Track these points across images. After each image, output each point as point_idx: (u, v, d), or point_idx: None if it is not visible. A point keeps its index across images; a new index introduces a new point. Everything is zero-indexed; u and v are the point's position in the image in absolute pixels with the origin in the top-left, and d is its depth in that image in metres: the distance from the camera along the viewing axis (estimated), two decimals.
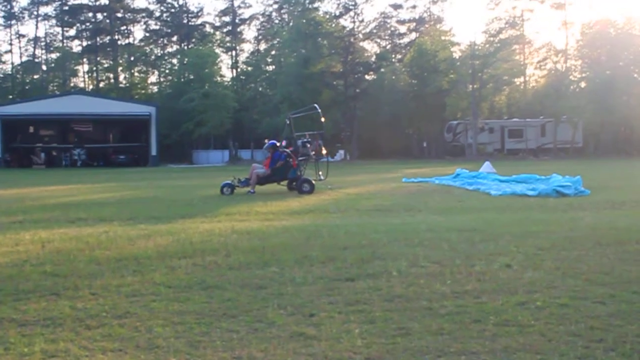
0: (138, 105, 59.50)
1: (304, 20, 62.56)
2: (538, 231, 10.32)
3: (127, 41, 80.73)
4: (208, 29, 79.79)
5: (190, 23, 79.08)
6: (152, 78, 79.67)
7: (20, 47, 77.45)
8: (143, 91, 76.42)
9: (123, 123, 59.02)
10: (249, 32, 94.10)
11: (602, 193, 17.83)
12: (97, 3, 77.49)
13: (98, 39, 78.27)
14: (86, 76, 79.58)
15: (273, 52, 73.56)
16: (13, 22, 76.24)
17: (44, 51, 77.70)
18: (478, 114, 60.29)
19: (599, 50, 59.78)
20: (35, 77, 74.36)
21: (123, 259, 8.32)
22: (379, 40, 78.55)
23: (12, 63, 76.31)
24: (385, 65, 66.22)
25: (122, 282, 7.04)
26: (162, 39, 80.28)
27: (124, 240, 9.89)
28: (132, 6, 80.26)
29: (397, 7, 77.30)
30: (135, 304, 6.20)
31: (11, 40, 76.72)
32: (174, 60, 75.89)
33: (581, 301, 6.10)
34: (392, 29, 78.89)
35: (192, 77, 64.68)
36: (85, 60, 78.35)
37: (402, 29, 79.11)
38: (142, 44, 79.93)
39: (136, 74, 78.37)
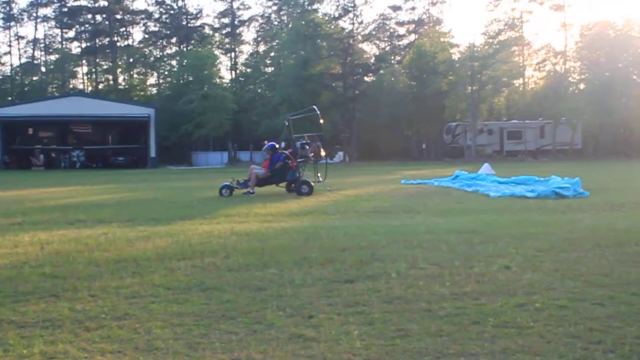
0: (137, 107, 59.50)
1: (303, 22, 62.57)
2: (537, 233, 10.32)
3: (126, 43, 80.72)
4: (207, 30, 79.84)
5: (189, 25, 79.08)
6: (151, 80, 79.83)
7: (19, 49, 77.53)
8: (142, 93, 76.41)
9: (122, 125, 59.03)
10: (248, 34, 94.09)
11: (601, 195, 17.84)
12: (97, 5, 77.51)
13: (97, 40, 78.25)
14: (85, 78, 79.67)
15: (272, 54, 73.59)
16: (12, 23, 76.32)
17: (43, 53, 77.76)
18: (477, 116, 60.32)
19: (598, 52, 59.83)
20: (35, 78, 74.33)
21: (122, 261, 8.32)
22: (378, 42, 78.64)
23: (11, 64, 76.45)
24: (384, 66, 66.27)
25: (121, 284, 7.04)
26: (161, 41, 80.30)
27: (123, 242, 9.89)
28: (131, 8, 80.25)
29: (396, 8, 77.39)
30: (134, 305, 6.20)
31: (10, 41, 76.86)
32: (173, 62, 75.91)
33: (580, 303, 6.11)
34: (391, 30, 78.97)
35: (191, 78, 64.66)
36: (84, 61, 78.34)
37: (401, 30, 79.25)
38: (141, 45, 79.93)
39: (135, 75, 78.37)
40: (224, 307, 6.10)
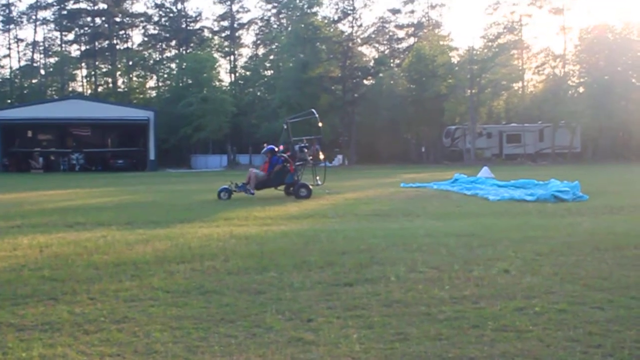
0: (136, 110, 59.44)
1: (303, 25, 62.56)
2: (536, 236, 10.33)
3: (125, 46, 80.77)
4: (206, 33, 79.81)
5: (188, 28, 79.09)
6: (151, 82, 79.75)
7: (18, 52, 77.47)
8: (141, 96, 76.36)
9: (121, 128, 58.99)
10: (248, 37, 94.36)
11: (600, 198, 17.85)
12: (96, 7, 77.48)
13: (96, 43, 78.24)
14: (84, 81, 79.58)
15: (271, 57, 73.57)
16: (11, 26, 76.30)
17: (42, 55, 77.74)
18: (476, 119, 60.35)
19: (597, 56, 59.85)
20: (34, 81, 74.28)
21: (121, 264, 8.32)
22: (377, 45, 78.75)
23: (11, 67, 76.37)
24: (383, 70, 66.28)
25: (120, 287, 7.04)
26: (160, 44, 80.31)
27: (122, 245, 9.89)
28: (130, 11, 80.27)
29: (395, 12, 77.50)
30: (133, 308, 6.20)
31: (9, 44, 76.79)
32: (173, 65, 75.81)
33: (579, 306, 6.11)
34: (391, 33, 79.06)
35: (190, 81, 64.62)
36: (83, 64, 78.28)
37: (401, 33, 79.30)
38: (141, 48, 79.97)
39: (134, 78, 78.33)
40: (223, 311, 6.10)
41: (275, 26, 79.27)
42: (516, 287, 6.89)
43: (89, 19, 78.44)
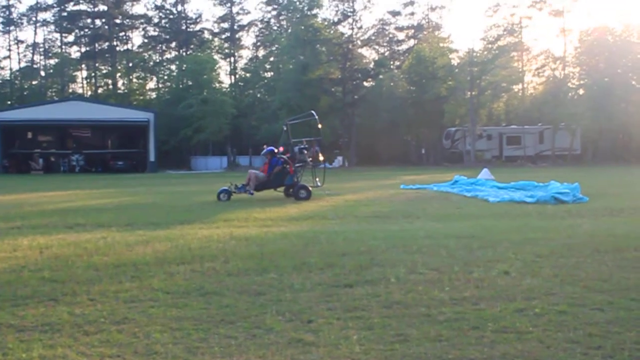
0: (136, 112, 59.44)
1: (303, 27, 62.56)
2: (536, 238, 10.33)
3: (125, 47, 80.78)
4: (207, 35, 79.81)
5: (188, 29, 79.10)
6: (151, 84, 79.71)
7: (18, 53, 77.47)
8: (141, 97, 76.37)
9: (121, 129, 58.97)
10: (248, 39, 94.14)
11: (600, 200, 17.85)
12: (96, 9, 77.53)
13: (97, 45, 78.26)
14: (85, 82, 79.59)
15: (271, 59, 73.60)
16: (12, 27, 76.32)
17: (42, 57, 77.71)
18: (476, 121, 60.35)
19: (597, 58, 59.87)
20: (34, 82, 74.25)
21: (121, 265, 8.32)
22: (377, 47, 78.74)
23: (11, 69, 76.38)
24: (383, 72, 66.25)
25: (120, 288, 7.04)
26: (160, 45, 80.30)
27: (122, 246, 9.89)
28: (130, 12, 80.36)
29: (395, 14, 77.58)
30: (133, 310, 6.20)
31: (10, 46, 76.79)
32: (173, 67, 75.85)
33: (579, 308, 6.11)
34: (391, 35, 79.11)
35: (190, 83, 64.64)
36: (83, 66, 78.30)
37: (401, 35, 79.37)
38: (141, 50, 79.96)
39: (135, 80, 78.31)
40: (223, 312, 6.10)
41: (275, 28, 79.31)
42: (516, 288, 6.89)
43: (89, 20, 78.48)
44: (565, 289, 6.87)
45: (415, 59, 63.16)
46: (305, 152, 20.93)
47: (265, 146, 21.95)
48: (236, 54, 79.70)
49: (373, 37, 77.10)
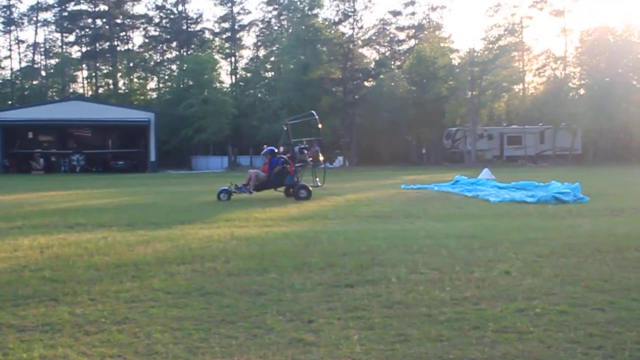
0: (137, 111, 59.47)
1: (303, 27, 62.57)
2: (537, 238, 10.32)
3: (126, 47, 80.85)
4: (207, 35, 79.84)
5: (189, 29, 79.14)
6: (152, 84, 79.82)
7: (19, 53, 77.58)
8: (142, 97, 76.40)
9: (122, 129, 59.03)
10: (248, 39, 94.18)
11: (601, 200, 17.85)
12: (97, 9, 77.59)
13: (97, 44, 78.31)
14: (85, 82, 79.71)
15: (272, 59, 73.59)
16: (12, 27, 76.39)
17: (43, 57, 77.76)
18: (477, 121, 60.33)
19: (598, 58, 59.84)
20: (35, 82, 74.27)
21: (122, 265, 8.32)
22: (378, 47, 78.79)
23: (12, 69, 76.48)
24: (384, 71, 66.24)
25: (120, 288, 7.04)
26: (161, 45, 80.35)
27: (122, 246, 9.89)
28: (131, 12, 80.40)
29: (396, 14, 77.62)
30: (134, 309, 6.20)
31: (10, 45, 76.89)
32: (173, 67, 75.97)
33: (580, 308, 6.11)
34: (391, 35, 79.15)
35: (191, 83, 64.67)
36: (84, 66, 78.37)
37: (401, 35, 79.39)
38: (142, 50, 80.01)
39: (135, 80, 78.37)
40: (223, 312, 6.10)
41: (276, 28, 79.35)
42: (517, 288, 6.89)
43: (89, 20, 78.54)
44: (566, 289, 6.86)
45: (416, 59, 63.16)
46: (306, 152, 20.93)
47: (265, 146, 21.95)
48: (237, 53, 79.80)
49: (374, 37, 77.15)
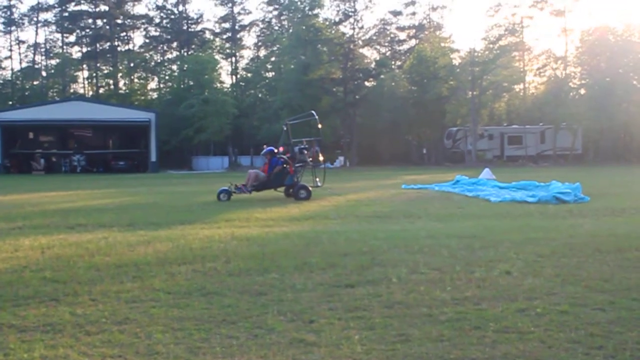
0: (138, 112, 59.45)
1: (304, 27, 62.56)
2: (538, 238, 10.33)
3: (127, 47, 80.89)
4: (208, 35, 79.82)
5: (190, 29, 79.14)
6: (152, 84, 79.80)
7: (20, 53, 77.62)
8: (143, 97, 76.38)
9: (123, 129, 59.02)
10: (249, 39, 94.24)
11: (601, 200, 17.85)
12: (97, 9, 77.60)
13: (98, 45, 78.33)
14: (86, 82, 79.72)
15: (273, 59, 73.56)
16: (13, 28, 76.40)
17: (43, 57, 77.77)
18: (477, 121, 60.33)
19: (599, 57, 59.84)
20: (35, 83, 74.27)
21: (123, 265, 8.32)
22: (378, 47, 78.82)
23: (12, 69, 76.45)
24: (384, 71, 66.23)
25: (121, 288, 7.04)
26: (161, 45, 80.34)
27: (123, 247, 9.89)
28: (132, 12, 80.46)
29: (396, 13, 77.68)
30: (134, 310, 6.20)
31: (11, 46, 76.93)
32: (174, 67, 75.96)
33: (581, 308, 6.11)
34: (392, 35, 79.18)
35: (191, 83, 64.68)
36: (85, 66, 78.40)
37: (402, 35, 79.45)
38: (142, 50, 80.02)
39: (136, 80, 78.37)
40: (224, 312, 6.10)
41: (276, 28, 79.36)
42: (518, 288, 6.89)
43: (90, 20, 78.56)
44: (567, 289, 6.86)
45: (416, 59, 63.18)
46: (305, 152, 20.93)
47: (265, 146, 21.96)
48: (237, 54, 79.76)
49: (374, 37, 77.18)
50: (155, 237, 10.98)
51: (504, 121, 69.67)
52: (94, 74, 78.74)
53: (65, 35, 78.69)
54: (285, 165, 20.25)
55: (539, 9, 67.88)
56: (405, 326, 5.61)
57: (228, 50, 78.34)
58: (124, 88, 77.72)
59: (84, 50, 78.90)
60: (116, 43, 79.58)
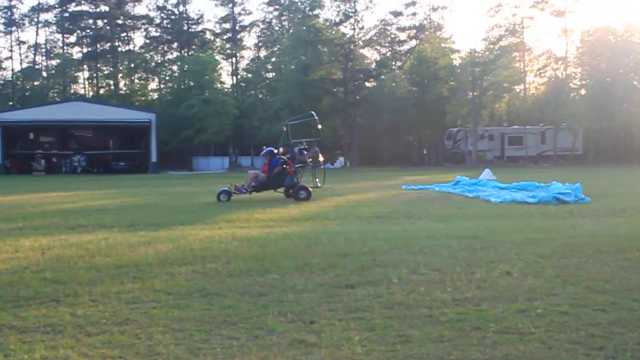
0: (138, 112, 59.52)
1: (304, 27, 62.61)
2: (538, 238, 10.32)
3: (127, 48, 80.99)
4: (208, 35, 79.92)
5: (190, 30, 79.20)
6: (152, 85, 79.93)
7: (20, 54, 77.79)
8: (143, 98, 76.46)
9: (123, 130, 59.03)
10: (249, 39, 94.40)
11: (602, 200, 17.83)
12: (98, 10, 77.69)
13: (98, 45, 78.41)
14: (86, 83, 79.83)
15: (273, 59, 73.62)
16: (13, 28, 76.47)
17: (44, 58, 77.90)
18: (478, 121, 60.35)
19: (599, 58, 59.86)
20: (36, 83, 74.37)
21: (123, 266, 8.31)
22: (379, 48, 78.85)
23: (13, 69, 76.55)
24: (385, 72, 66.27)
25: (122, 289, 7.04)
26: (162, 46, 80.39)
27: (124, 247, 9.89)
28: (132, 13, 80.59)
29: (397, 14, 77.73)
30: (135, 310, 6.20)
31: (11, 46, 77.13)
32: (174, 67, 76.02)
33: (581, 309, 6.10)
34: (392, 36, 79.25)
35: (192, 83, 64.75)
36: (85, 66, 78.49)
37: (402, 36, 79.51)
38: (143, 50, 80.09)
39: (136, 80, 78.46)
40: (225, 313, 6.10)
41: (277, 28, 79.42)
42: (518, 289, 6.88)
43: (90, 21, 78.65)
44: (568, 289, 6.86)
45: (417, 60, 63.22)
46: (305, 152, 20.92)
47: (265, 147, 21.94)
48: (238, 54, 79.86)
49: (375, 38, 77.20)
50: (156, 237, 10.98)
51: (505, 122, 69.69)
52: (95, 75, 78.83)
53: (65, 35, 78.80)
54: (285, 166, 20.24)
55: (539, 10, 67.99)
56: (406, 327, 5.60)
57: (228, 51, 78.42)
58: (124, 88, 77.81)
59: (85, 50, 79.02)
60: (116, 43, 79.66)
